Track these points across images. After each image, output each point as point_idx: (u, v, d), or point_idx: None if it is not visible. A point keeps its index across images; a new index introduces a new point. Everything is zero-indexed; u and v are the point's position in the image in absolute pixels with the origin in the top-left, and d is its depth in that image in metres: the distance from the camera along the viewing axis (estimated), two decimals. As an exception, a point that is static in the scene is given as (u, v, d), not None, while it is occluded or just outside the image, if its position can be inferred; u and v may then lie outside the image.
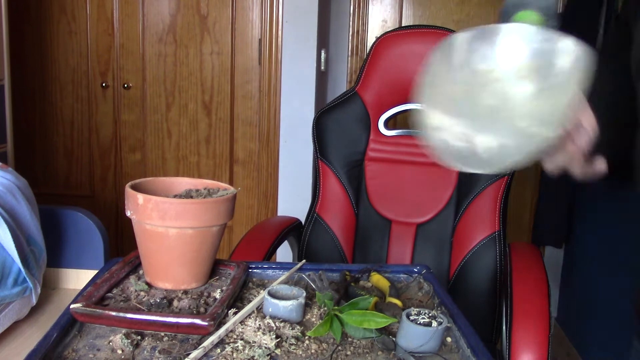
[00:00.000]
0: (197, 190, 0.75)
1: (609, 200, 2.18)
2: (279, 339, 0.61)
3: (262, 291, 0.71)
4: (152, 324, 0.61)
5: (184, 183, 0.77)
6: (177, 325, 0.61)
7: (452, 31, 1.30)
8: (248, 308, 0.66)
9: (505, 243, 1.37)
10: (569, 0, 2.37)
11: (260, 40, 2.46)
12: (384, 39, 1.52)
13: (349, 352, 0.62)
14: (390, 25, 2.57)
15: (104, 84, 2.58)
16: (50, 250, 1.01)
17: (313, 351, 0.61)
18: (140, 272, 0.74)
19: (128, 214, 0.69)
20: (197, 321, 0.60)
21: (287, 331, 0.63)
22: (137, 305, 0.65)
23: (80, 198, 2.67)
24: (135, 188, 0.69)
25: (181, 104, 2.57)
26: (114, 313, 0.61)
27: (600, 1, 2.17)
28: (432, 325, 0.62)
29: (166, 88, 2.56)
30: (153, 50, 2.53)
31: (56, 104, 2.62)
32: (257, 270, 0.82)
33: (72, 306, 0.61)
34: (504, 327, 1.17)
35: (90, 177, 2.68)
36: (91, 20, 2.53)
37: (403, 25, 2.53)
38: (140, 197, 0.66)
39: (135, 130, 2.62)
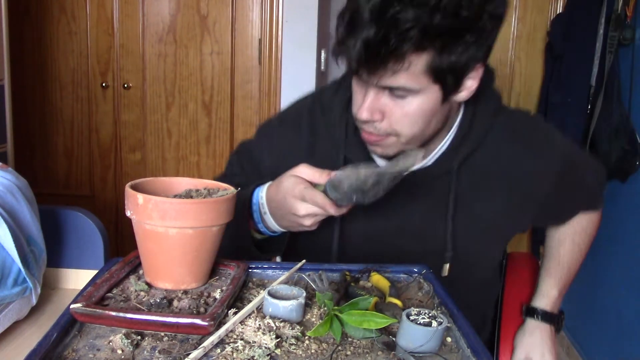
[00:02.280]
0: (197, 190, 0.75)
1: (608, 197, 2.18)
2: (279, 339, 0.61)
3: (262, 291, 0.71)
4: (152, 324, 0.61)
5: (184, 183, 0.77)
6: (177, 325, 0.61)
7: None
8: (248, 308, 0.66)
9: (505, 253, 1.32)
10: (569, 0, 2.38)
11: (260, 40, 2.46)
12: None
13: (349, 352, 0.62)
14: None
15: (104, 84, 2.58)
16: (50, 250, 1.01)
17: (313, 351, 0.61)
18: (140, 272, 0.74)
19: (128, 214, 0.69)
20: (197, 321, 0.60)
21: (287, 331, 0.63)
22: (137, 305, 0.65)
23: (80, 198, 2.67)
24: (135, 188, 0.69)
25: (181, 104, 2.58)
26: (114, 313, 0.61)
27: (600, 1, 2.18)
28: (432, 325, 0.62)
29: (166, 88, 2.57)
30: (153, 50, 2.54)
31: (56, 104, 2.62)
32: (257, 270, 0.82)
33: (72, 306, 0.61)
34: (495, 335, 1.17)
35: (90, 177, 2.68)
36: (91, 20, 2.53)
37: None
38: (140, 197, 0.66)
39: (135, 130, 2.62)
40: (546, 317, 1.07)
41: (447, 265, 0.94)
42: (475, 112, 0.94)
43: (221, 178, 1.04)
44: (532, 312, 1.09)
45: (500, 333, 1.12)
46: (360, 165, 0.77)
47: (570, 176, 1.03)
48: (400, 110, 0.83)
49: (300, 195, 0.81)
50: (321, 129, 1.00)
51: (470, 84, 0.85)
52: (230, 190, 0.75)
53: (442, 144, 0.94)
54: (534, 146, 0.97)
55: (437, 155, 0.94)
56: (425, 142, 0.91)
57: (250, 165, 1.05)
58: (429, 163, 0.95)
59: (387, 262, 0.87)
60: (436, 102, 0.83)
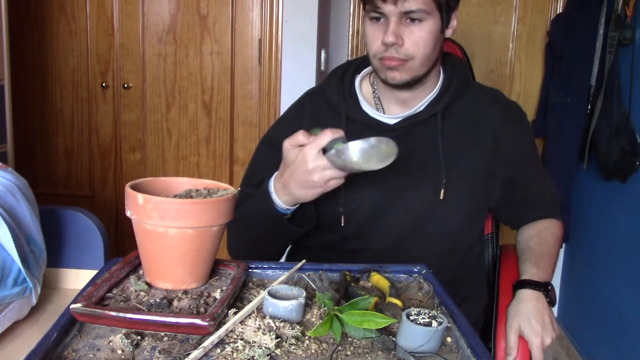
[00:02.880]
0: (197, 190, 0.75)
1: (608, 197, 2.18)
2: (279, 339, 0.61)
3: (262, 291, 0.71)
4: (152, 324, 0.61)
5: (184, 183, 0.78)
6: (177, 325, 0.61)
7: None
8: (248, 308, 0.66)
9: (498, 246, 1.37)
10: (569, 0, 2.38)
11: (260, 40, 2.46)
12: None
13: (349, 352, 0.62)
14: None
15: (104, 84, 2.58)
16: (50, 250, 1.01)
17: (313, 351, 0.61)
18: (140, 272, 0.74)
19: (128, 214, 0.69)
20: (197, 321, 0.60)
21: (287, 331, 0.63)
22: (137, 305, 0.65)
23: (80, 198, 2.67)
24: (135, 188, 0.69)
25: (181, 104, 2.57)
26: (114, 313, 0.61)
27: (600, 1, 2.18)
28: (432, 325, 0.62)
29: (166, 88, 2.57)
30: (153, 50, 2.54)
31: (56, 104, 2.62)
32: (257, 270, 0.82)
33: (72, 306, 0.61)
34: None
35: (90, 177, 2.68)
36: (91, 20, 2.53)
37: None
38: (140, 197, 0.66)
39: (135, 130, 2.62)
40: (532, 284, 1.11)
41: (443, 190, 1.10)
42: (453, 73, 1.17)
43: (248, 173, 1.25)
44: (518, 284, 1.13)
45: (498, 313, 1.15)
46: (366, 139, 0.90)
47: (532, 155, 1.22)
48: (416, 33, 1.04)
49: (304, 155, 0.94)
50: (322, 103, 1.19)
51: (453, 24, 1.10)
52: (230, 190, 0.75)
53: (430, 94, 1.15)
54: (503, 103, 1.20)
55: (426, 103, 1.14)
56: (428, 71, 1.10)
57: (268, 150, 1.21)
58: (420, 109, 1.14)
59: (389, 207, 1.11)
60: (438, 29, 1.06)
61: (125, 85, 2.57)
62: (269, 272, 0.82)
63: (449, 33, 1.11)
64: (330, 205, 1.12)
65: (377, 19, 1.06)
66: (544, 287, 1.12)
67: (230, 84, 2.54)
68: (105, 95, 2.60)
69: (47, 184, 2.66)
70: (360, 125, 1.14)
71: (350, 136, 1.10)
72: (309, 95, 1.26)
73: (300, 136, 0.97)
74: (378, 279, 0.80)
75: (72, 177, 2.69)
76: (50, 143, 2.65)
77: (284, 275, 0.79)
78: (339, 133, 0.94)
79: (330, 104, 1.18)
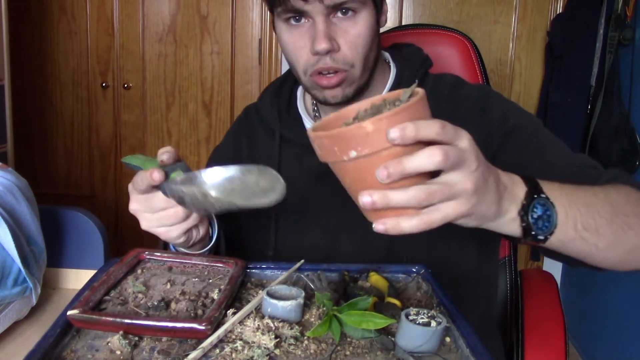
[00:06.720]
0: (365, 110, 0.57)
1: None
2: (278, 339, 0.61)
3: (260, 291, 0.71)
4: (149, 328, 0.61)
5: (351, 110, 0.59)
6: (175, 330, 0.61)
7: (452, 30, 1.29)
8: (247, 308, 0.66)
9: (517, 270, 1.24)
10: (569, 0, 2.37)
11: (260, 40, 2.46)
12: (383, 39, 1.51)
13: (348, 352, 0.62)
14: (390, 25, 2.57)
15: (104, 84, 2.58)
16: (50, 250, 1.01)
17: (312, 351, 0.61)
18: (138, 272, 0.74)
19: (352, 155, 0.52)
20: (194, 325, 0.60)
21: (286, 331, 0.63)
22: (135, 308, 0.65)
23: (80, 198, 2.67)
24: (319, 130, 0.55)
25: (181, 104, 2.58)
26: (110, 319, 0.61)
27: (600, 1, 2.17)
28: (431, 325, 0.62)
29: (166, 88, 2.57)
30: (153, 50, 2.54)
31: (56, 104, 2.62)
32: (256, 271, 0.82)
33: (68, 312, 0.61)
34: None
35: (90, 177, 2.68)
36: (91, 20, 2.53)
37: (403, 24, 2.53)
38: (369, 124, 0.51)
39: (135, 130, 2.62)
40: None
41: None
42: (404, 65, 0.96)
43: None
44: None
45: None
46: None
47: (519, 127, 0.92)
48: (352, 31, 0.83)
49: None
50: (257, 122, 1.03)
51: (385, 8, 0.90)
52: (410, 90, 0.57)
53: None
54: (452, 86, 0.95)
55: None
56: (370, 75, 0.90)
57: None
58: None
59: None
60: (375, 20, 0.86)
61: (125, 85, 2.57)
62: (268, 272, 0.82)
63: (382, 21, 0.90)
64: (258, 247, 0.96)
65: (296, 19, 0.84)
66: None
67: (230, 84, 2.54)
68: (105, 95, 2.60)
69: (47, 184, 2.66)
70: (296, 147, 0.95)
71: (284, 160, 0.93)
72: (244, 113, 1.08)
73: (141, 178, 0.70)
74: (377, 279, 0.80)
75: (72, 177, 2.69)
76: (50, 143, 2.66)
77: (283, 275, 0.79)
78: (168, 154, 0.70)
79: (266, 123, 1.00)
